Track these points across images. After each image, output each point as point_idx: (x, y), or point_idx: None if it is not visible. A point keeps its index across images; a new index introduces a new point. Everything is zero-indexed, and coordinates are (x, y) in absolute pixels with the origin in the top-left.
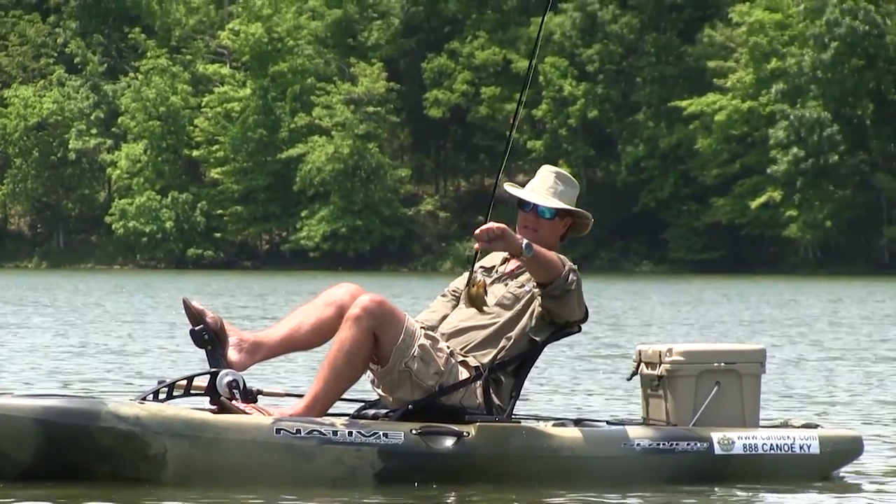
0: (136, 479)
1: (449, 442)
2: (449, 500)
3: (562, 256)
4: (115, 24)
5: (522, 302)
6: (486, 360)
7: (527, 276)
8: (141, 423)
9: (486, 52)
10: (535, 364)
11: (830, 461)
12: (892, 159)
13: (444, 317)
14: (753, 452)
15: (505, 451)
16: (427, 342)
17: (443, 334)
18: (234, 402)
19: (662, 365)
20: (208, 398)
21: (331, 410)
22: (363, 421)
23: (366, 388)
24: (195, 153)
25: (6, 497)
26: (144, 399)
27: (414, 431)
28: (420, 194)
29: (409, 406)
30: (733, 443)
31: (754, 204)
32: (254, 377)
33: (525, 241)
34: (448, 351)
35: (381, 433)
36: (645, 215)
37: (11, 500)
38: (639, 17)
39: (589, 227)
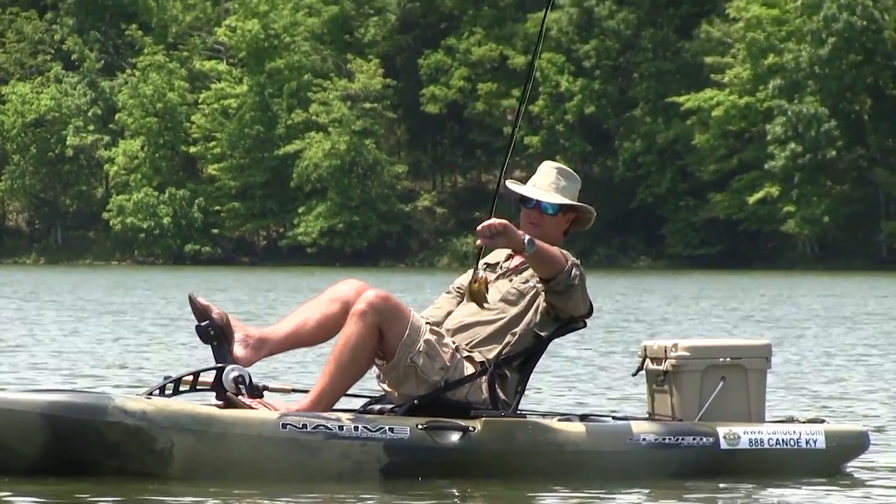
0: (142, 474)
1: (455, 437)
2: (454, 495)
3: (564, 251)
4: (112, 21)
5: (527, 298)
6: (491, 355)
7: (531, 271)
8: (147, 417)
9: (482, 49)
10: (540, 359)
11: (836, 456)
12: (890, 154)
13: (449, 313)
14: (759, 447)
15: (511, 446)
16: (432, 337)
17: (448, 330)
18: (240, 397)
19: (668, 360)
20: (214, 393)
21: (336, 406)
22: (369, 416)
23: (371, 384)
24: (192, 149)
25: (13, 492)
26: (151, 394)
27: (420, 426)
28: (417, 190)
29: (415, 401)
30: (739, 437)
31: (752, 199)
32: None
33: (527, 236)
34: (453, 346)
35: (386, 428)
36: (642, 211)
37: (18, 495)
38: (635, 13)
39: (591, 221)
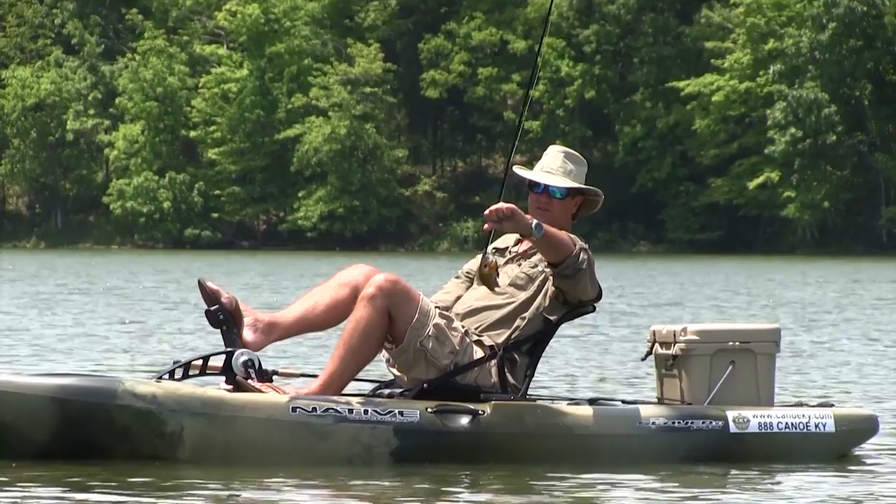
0: (152, 458)
1: (464, 420)
2: (464, 478)
3: (573, 236)
4: (112, 6)
5: (536, 282)
6: (500, 339)
7: (539, 256)
8: (158, 401)
9: (482, 33)
10: (549, 344)
11: (845, 440)
12: (891, 140)
13: (458, 298)
14: (768, 431)
15: (520, 430)
16: (442, 321)
17: (457, 314)
18: (249, 381)
19: (677, 344)
20: (224, 378)
21: (345, 391)
22: (379, 399)
23: (380, 369)
24: (192, 134)
25: (23, 476)
26: (160, 378)
27: (430, 410)
28: (417, 175)
29: (424, 385)
30: (748, 421)
31: (752, 184)
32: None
33: (535, 221)
34: (463, 330)
35: (396, 411)
36: (642, 196)
37: (28, 479)
38: None
39: (599, 204)
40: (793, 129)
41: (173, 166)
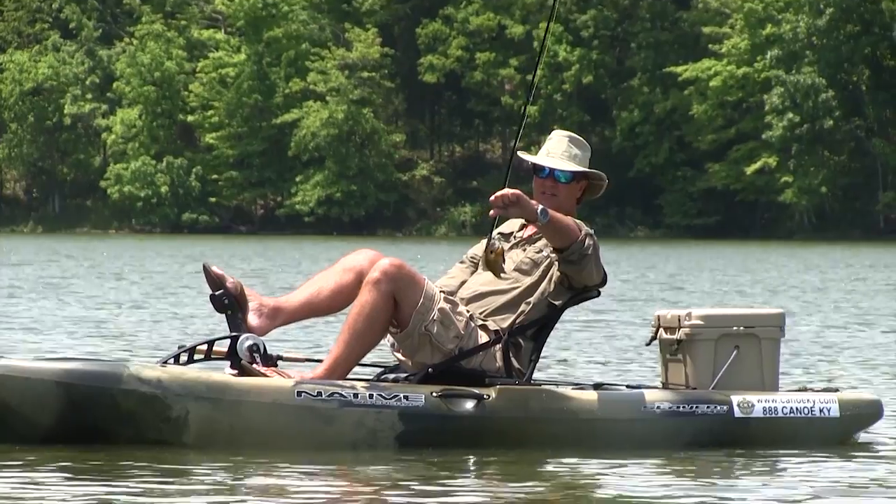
0: (157, 442)
1: (469, 404)
2: (468, 463)
3: (578, 221)
4: None
5: (541, 267)
6: (505, 324)
7: (544, 241)
8: (163, 385)
9: (480, 18)
10: (554, 329)
11: (850, 425)
12: (888, 125)
13: (463, 282)
14: (773, 415)
15: (525, 414)
16: (447, 306)
17: (462, 299)
18: (254, 365)
19: (681, 329)
20: (229, 362)
21: (350, 376)
22: (384, 384)
23: (385, 354)
24: (190, 118)
25: (29, 460)
26: (165, 363)
27: (435, 394)
28: (415, 159)
29: (429, 369)
30: (753, 406)
31: (749, 170)
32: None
33: (540, 206)
34: (468, 315)
35: (401, 396)
36: (640, 181)
37: (33, 463)
38: None
39: (603, 189)
40: (790, 115)
41: (171, 151)
